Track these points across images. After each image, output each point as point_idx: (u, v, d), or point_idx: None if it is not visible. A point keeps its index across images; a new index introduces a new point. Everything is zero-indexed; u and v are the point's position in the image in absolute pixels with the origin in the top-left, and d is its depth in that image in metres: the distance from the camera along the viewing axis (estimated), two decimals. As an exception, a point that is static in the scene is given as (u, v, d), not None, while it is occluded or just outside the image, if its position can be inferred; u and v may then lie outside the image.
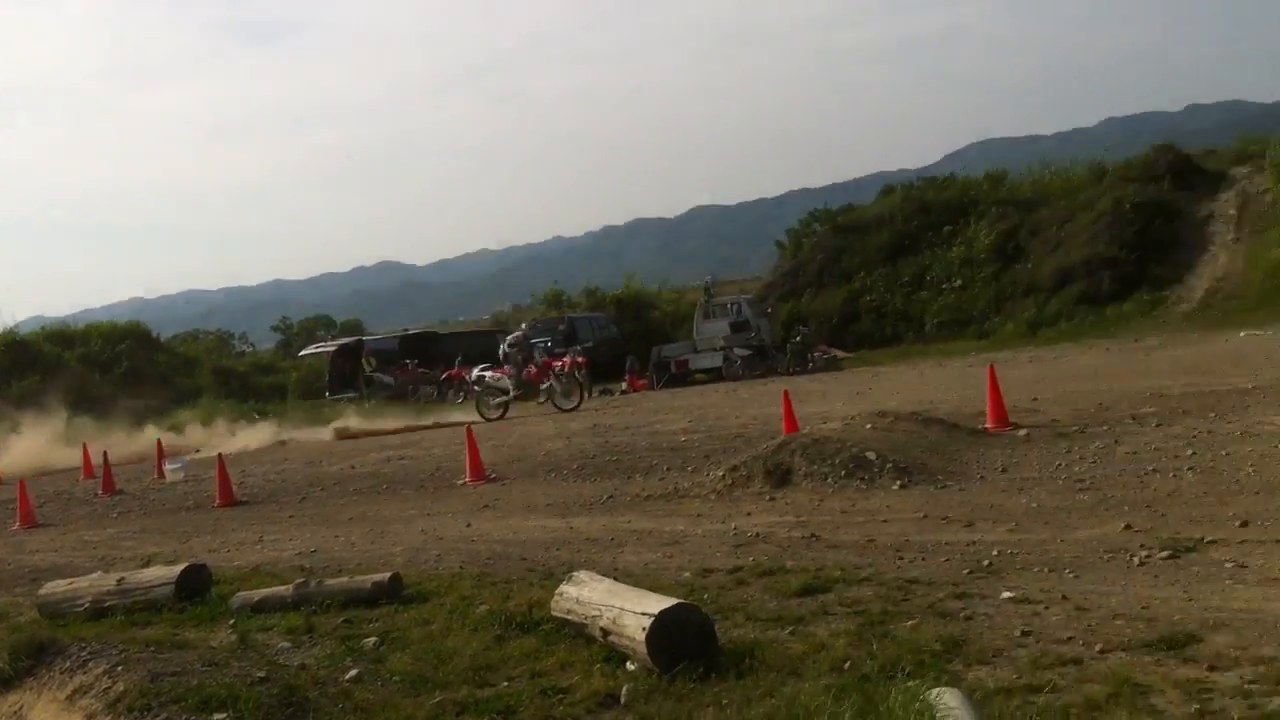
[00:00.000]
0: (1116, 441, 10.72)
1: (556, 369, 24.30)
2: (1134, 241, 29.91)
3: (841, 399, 18.02)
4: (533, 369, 24.15)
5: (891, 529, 8.35)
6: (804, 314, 33.96)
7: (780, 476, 10.42)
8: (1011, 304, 30.74)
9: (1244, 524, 7.14)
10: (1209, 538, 6.90)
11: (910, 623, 5.86)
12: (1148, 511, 7.87)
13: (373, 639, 6.69)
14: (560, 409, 23.27)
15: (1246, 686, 4.56)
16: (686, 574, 7.62)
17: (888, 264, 34.46)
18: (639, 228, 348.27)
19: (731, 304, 31.71)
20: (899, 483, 9.79)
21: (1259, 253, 28.26)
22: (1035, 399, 14.26)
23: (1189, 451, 9.71)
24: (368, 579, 7.89)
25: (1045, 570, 6.72)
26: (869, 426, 11.43)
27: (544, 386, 23.89)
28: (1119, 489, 8.72)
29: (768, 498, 10.08)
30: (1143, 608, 5.73)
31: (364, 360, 33.38)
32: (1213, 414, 11.54)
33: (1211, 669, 4.79)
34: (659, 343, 32.39)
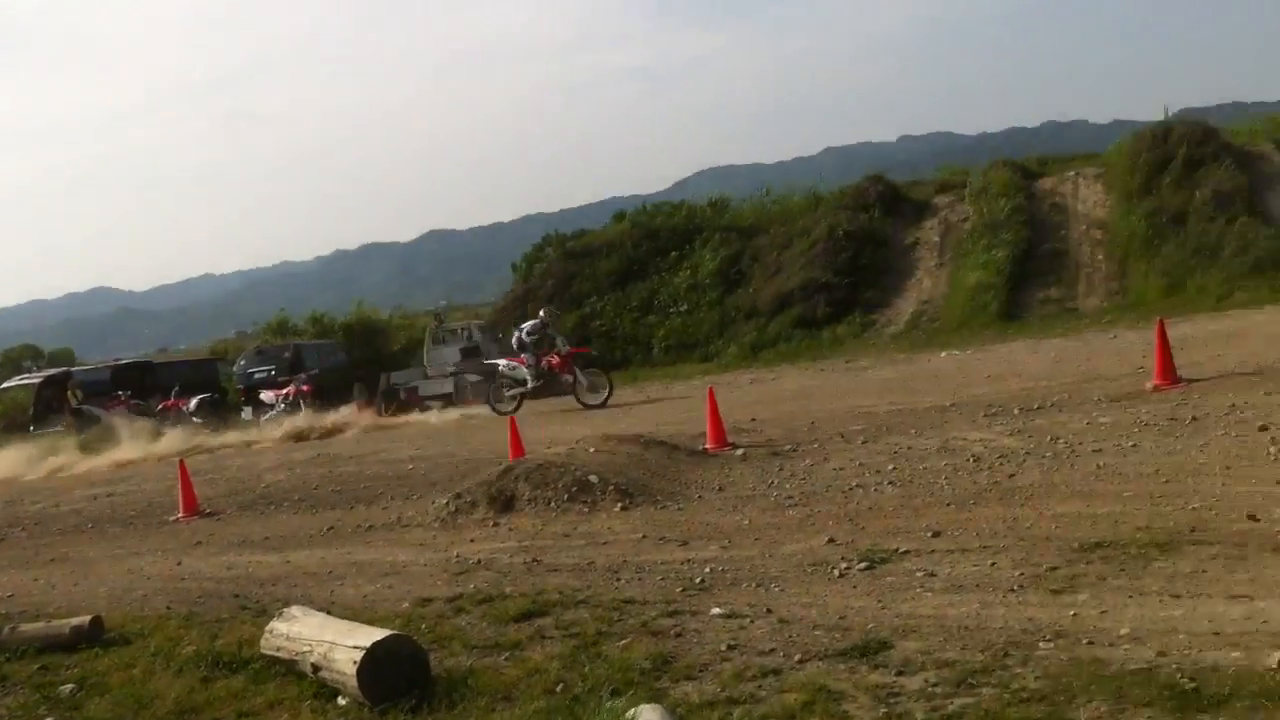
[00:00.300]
0: (825, 459, 11.18)
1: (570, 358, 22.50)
2: (847, 267, 31.34)
3: (569, 423, 18.18)
4: (555, 358, 22.20)
5: (611, 550, 8.48)
6: (535, 339, 34.13)
7: (504, 502, 10.43)
8: (734, 327, 31.70)
9: (936, 534, 7.56)
10: (903, 548, 7.28)
11: (623, 642, 5.98)
12: (850, 525, 8.24)
13: (69, 686, 6.38)
14: (584, 405, 21.62)
15: (930, 689, 4.85)
16: (405, 604, 7.55)
17: (617, 289, 35.01)
18: (372, 252, 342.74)
19: (462, 329, 31.56)
20: (620, 505, 9.95)
21: (959, 277, 30.05)
22: (754, 419, 14.74)
23: (890, 467, 10.22)
24: (66, 623, 7.49)
25: (754, 585, 6.97)
26: (593, 450, 11.57)
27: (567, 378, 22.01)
28: (825, 504, 9.11)
29: (491, 524, 10.08)
30: (840, 618, 6.01)
31: (70, 392, 31.53)
32: (914, 430, 12.16)
33: (900, 674, 5.07)
34: (390, 369, 31.92)
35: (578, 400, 21.82)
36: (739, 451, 12.09)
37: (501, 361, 23.27)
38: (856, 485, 9.66)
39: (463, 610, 7.17)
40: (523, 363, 22.30)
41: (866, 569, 6.93)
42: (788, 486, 10.08)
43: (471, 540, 9.57)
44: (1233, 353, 14.99)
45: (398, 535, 10.44)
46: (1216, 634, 5.06)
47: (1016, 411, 12.40)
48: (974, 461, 9.92)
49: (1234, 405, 10.66)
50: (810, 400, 17.30)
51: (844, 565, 7.07)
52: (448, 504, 10.79)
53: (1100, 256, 29.54)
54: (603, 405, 21.22)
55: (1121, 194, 30.65)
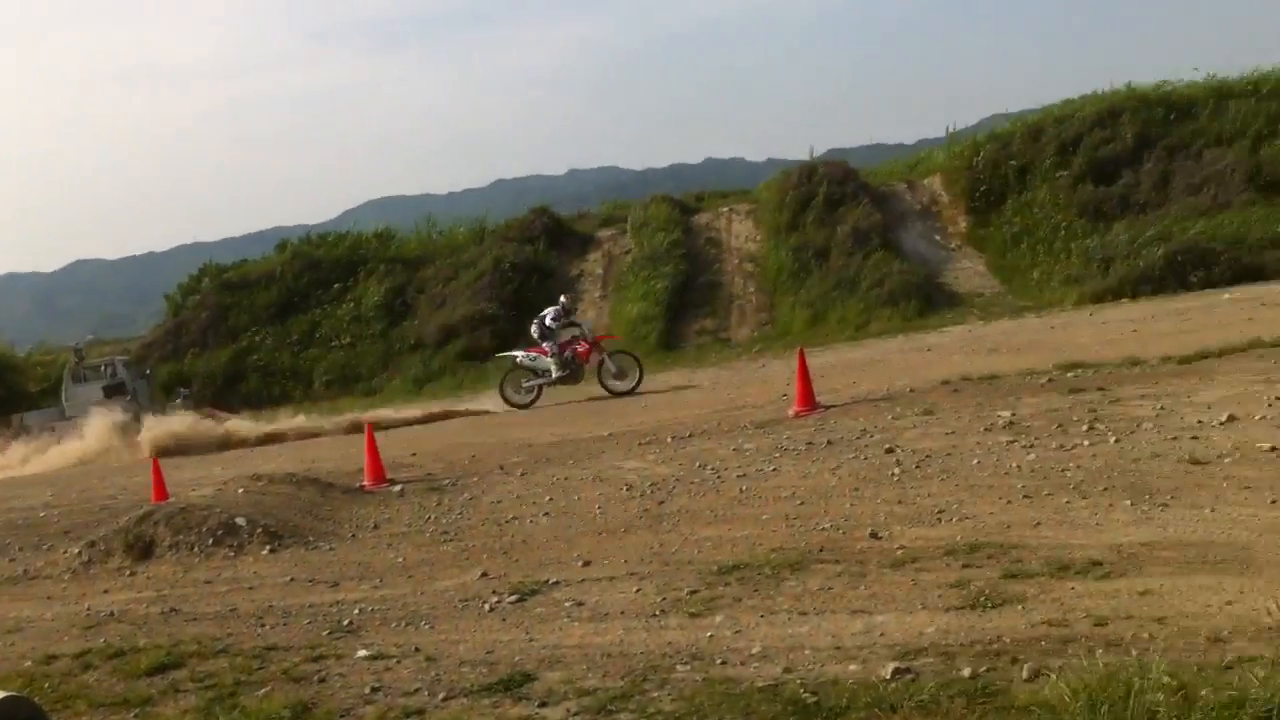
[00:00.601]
0: (484, 492, 11.18)
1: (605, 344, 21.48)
2: (512, 299, 31.61)
3: (221, 463, 17.45)
4: (583, 344, 21.06)
5: (257, 596, 8.15)
6: (187, 374, 32.65)
7: (143, 549, 9.85)
8: (399, 360, 31.38)
9: (586, 564, 7.67)
10: (554, 579, 7.35)
11: (262, 691, 5.77)
12: (504, 558, 8.26)
13: None
14: (612, 392, 20.39)
15: (571, 718, 4.90)
16: (28, 663, 7.01)
17: (276, 322, 34.02)
18: (9, 283, 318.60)
19: (105, 366, 29.68)
20: (269, 547, 9.58)
21: (621, 309, 30.85)
22: (414, 454, 14.59)
23: (547, 498, 10.31)
24: None
25: (403, 624, 6.85)
26: (241, 491, 11.14)
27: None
28: (481, 538, 9.09)
29: (128, 573, 9.48)
30: (488, 652, 6.00)
31: None
32: (572, 461, 12.34)
33: (542, 705, 5.10)
34: (24, 409, 29.75)
35: (604, 388, 20.67)
36: (397, 488, 11.94)
37: (519, 353, 21.97)
38: (513, 518, 9.70)
39: (91, 666, 6.72)
40: (545, 353, 21.01)
41: (517, 601, 6.95)
42: (444, 521, 10.00)
43: (105, 591, 8.99)
44: (866, 379, 16.01)
45: (24, 589, 9.67)
46: (838, 648, 5.35)
47: (669, 440, 12.79)
48: (627, 490, 10.14)
49: (865, 429, 11.35)
50: (472, 433, 17.26)
51: (495, 599, 7.06)
52: (80, 553, 10.10)
53: (751, 289, 31.00)
54: (631, 392, 20.18)
55: (771, 229, 32.34)
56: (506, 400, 20.86)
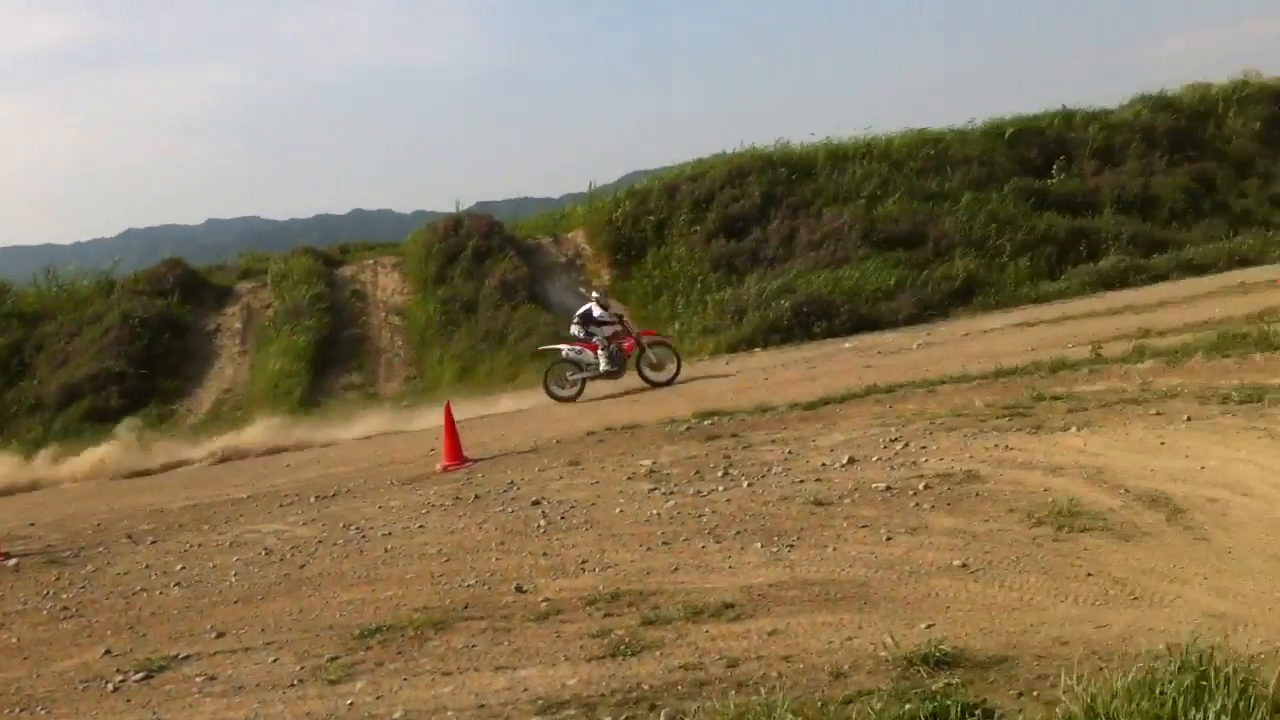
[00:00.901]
0: (109, 563, 10.50)
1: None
2: (142, 356, 29.91)
3: None
4: (628, 338, 20.56)
5: None
6: None
7: None
8: (15, 424, 28.98)
9: (220, 635, 7.33)
10: (185, 653, 6.97)
11: None
12: (130, 633, 7.77)
13: None
14: (652, 383, 20.09)
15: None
16: None
17: None
18: None
19: None
20: None
21: (262, 363, 29.81)
22: (33, 524, 13.55)
23: (179, 566, 9.80)
24: None
25: (17, 710, 6.34)
26: None
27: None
28: (105, 613, 8.52)
29: None
30: (109, 737, 5.62)
31: None
32: (208, 526, 11.79)
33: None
34: None
35: (644, 379, 20.26)
36: (11, 561, 11.05)
37: (564, 346, 21.00)
38: (141, 589, 9.14)
39: None
40: (592, 348, 20.42)
41: (144, 679, 6.56)
42: (64, 597, 9.31)
43: None
44: (515, 432, 16.12)
45: None
46: (481, 706, 5.33)
47: (313, 499, 12.45)
48: (266, 554, 9.78)
49: (513, 482, 11.43)
50: (97, 500, 16.18)
51: (120, 678, 6.63)
52: None
53: (399, 342, 30.68)
54: (670, 382, 20.07)
55: (418, 282, 32.19)
56: (551, 394, 20.64)
